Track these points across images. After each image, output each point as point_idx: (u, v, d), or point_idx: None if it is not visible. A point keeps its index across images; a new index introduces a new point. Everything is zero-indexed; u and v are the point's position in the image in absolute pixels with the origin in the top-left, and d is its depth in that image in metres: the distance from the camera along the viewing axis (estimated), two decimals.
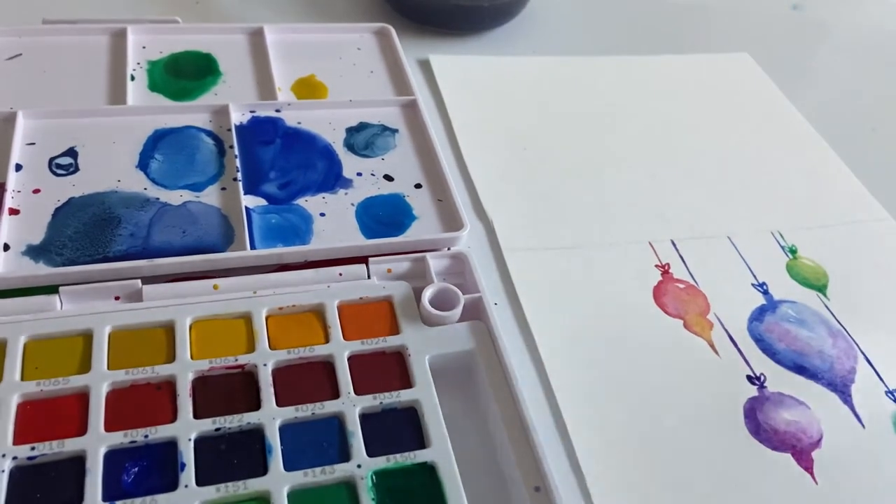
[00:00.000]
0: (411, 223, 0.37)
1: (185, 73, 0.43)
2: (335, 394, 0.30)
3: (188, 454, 0.27)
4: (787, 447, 0.33)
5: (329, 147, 0.41)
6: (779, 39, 0.60)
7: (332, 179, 0.39)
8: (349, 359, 0.31)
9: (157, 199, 0.36)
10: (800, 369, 0.36)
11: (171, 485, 0.26)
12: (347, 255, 0.35)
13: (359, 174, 0.39)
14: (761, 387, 0.35)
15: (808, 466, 0.32)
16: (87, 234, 0.34)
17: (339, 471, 0.27)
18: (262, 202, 0.37)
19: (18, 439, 0.27)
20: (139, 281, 0.32)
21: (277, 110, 0.42)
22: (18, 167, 0.36)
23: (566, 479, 0.30)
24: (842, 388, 0.35)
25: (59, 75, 0.42)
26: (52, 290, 0.31)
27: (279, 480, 0.27)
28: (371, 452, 0.28)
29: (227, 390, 0.29)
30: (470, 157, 0.43)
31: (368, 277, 0.34)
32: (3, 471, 0.26)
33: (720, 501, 0.30)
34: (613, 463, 0.31)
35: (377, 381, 0.30)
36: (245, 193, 0.37)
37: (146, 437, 0.27)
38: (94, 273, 0.32)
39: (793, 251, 0.41)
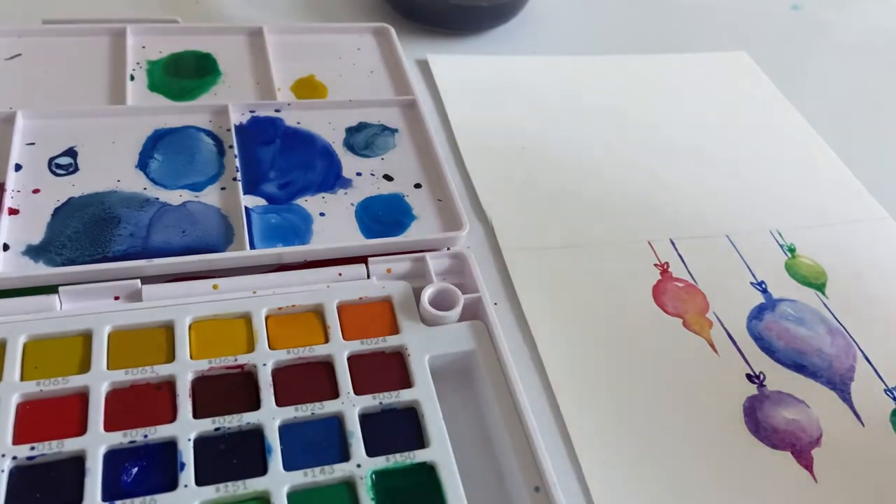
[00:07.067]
0: (411, 223, 0.37)
1: (185, 73, 0.43)
2: (335, 394, 0.30)
3: (188, 454, 0.27)
4: (786, 445, 0.33)
5: (329, 147, 0.41)
6: (777, 39, 0.60)
7: (332, 179, 0.39)
8: (349, 359, 0.31)
9: (157, 198, 0.36)
10: (799, 368, 0.36)
11: (171, 485, 0.26)
12: (347, 254, 0.35)
13: (358, 174, 0.39)
14: (761, 385, 0.35)
15: (807, 465, 0.32)
16: (86, 233, 0.34)
17: (339, 470, 0.27)
18: (262, 202, 0.37)
19: (18, 439, 0.27)
20: (139, 281, 0.32)
21: (277, 110, 0.42)
22: (18, 167, 0.36)
23: (566, 479, 0.30)
24: (841, 387, 0.35)
25: (59, 75, 0.42)
26: (51, 290, 0.31)
27: (279, 480, 0.27)
28: (371, 452, 0.28)
29: (226, 390, 0.29)
30: (469, 157, 0.43)
31: (368, 277, 0.34)
32: (2, 471, 0.26)
33: (720, 500, 0.30)
34: (613, 462, 0.31)
35: (377, 380, 0.30)
36: (245, 193, 0.37)
37: (146, 437, 0.27)
38: (94, 273, 0.32)
39: (791, 250, 0.42)
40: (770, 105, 0.52)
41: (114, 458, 0.27)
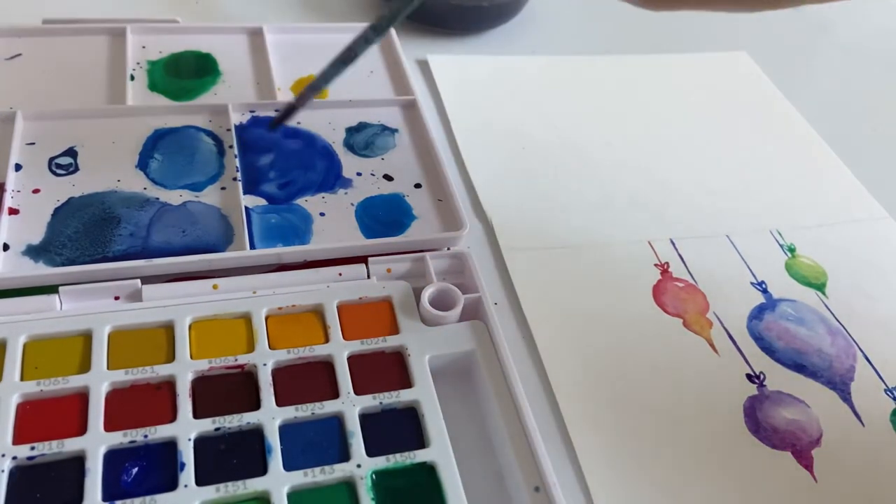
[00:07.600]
0: (411, 223, 0.37)
1: (185, 73, 0.43)
2: (335, 394, 0.30)
3: (188, 454, 0.27)
4: (786, 445, 0.33)
5: (329, 147, 0.41)
6: (777, 38, 0.60)
7: (332, 179, 0.39)
8: (349, 359, 0.31)
9: (157, 198, 0.36)
10: (799, 368, 0.36)
11: (171, 485, 0.26)
12: (347, 254, 0.35)
13: (358, 174, 0.39)
14: (761, 385, 0.35)
15: (807, 465, 0.32)
16: (86, 233, 0.34)
17: (339, 471, 0.27)
18: (262, 202, 0.37)
19: (18, 439, 0.27)
20: (139, 281, 0.32)
21: (277, 110, 0.42)
22: (18, 167, 0.36)
23: (566, 479, 0.30)
24: (841, 387, 0.35)
25: (59, 75, 0.42)
26: (51, 289, 0.31)
27: (279, 480, 0.27)
28: (371, 452, 0.28)
29: (226, 390, 0.29)
30: (469, 157, 0.43)
31: (368, 277, 0.34)
32: (2, 471, 0.26)
33: (720, 500, 0.30)
34: (613, 463, 0.31)
35: (377, 381, 0.30)
36: (244, 193, 0.37)
37: (146, 437, 0.27)
38: (94, 273, 0.32)
39: (791, 250, 0.42)
40: (770, 105, 0.52)
41: (114, 458, 0.27)
